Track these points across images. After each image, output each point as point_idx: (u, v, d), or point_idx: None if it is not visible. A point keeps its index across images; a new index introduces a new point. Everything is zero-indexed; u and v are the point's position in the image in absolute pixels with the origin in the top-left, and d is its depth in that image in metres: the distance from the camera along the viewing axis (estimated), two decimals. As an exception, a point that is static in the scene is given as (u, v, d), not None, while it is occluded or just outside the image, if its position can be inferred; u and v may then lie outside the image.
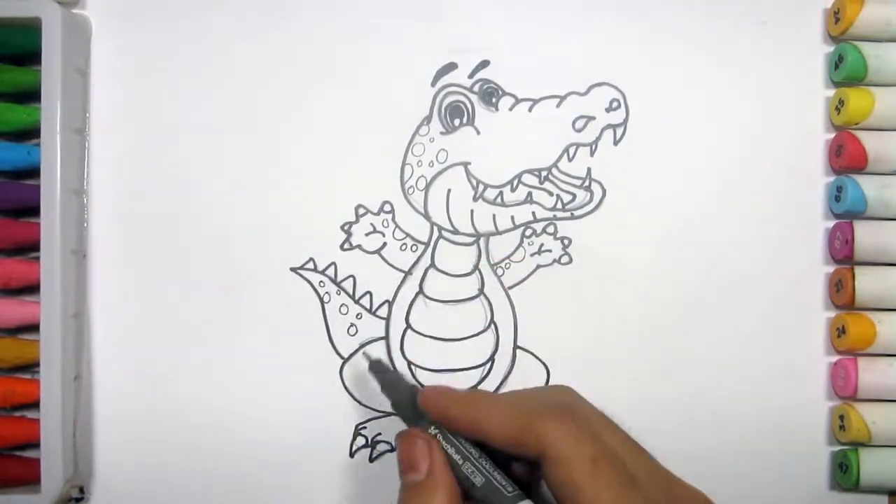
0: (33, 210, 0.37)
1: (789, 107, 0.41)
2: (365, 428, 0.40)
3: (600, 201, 0.40)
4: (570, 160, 0.40)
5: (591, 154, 0.40)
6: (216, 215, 0.40)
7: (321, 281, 0.40)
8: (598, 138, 0.40)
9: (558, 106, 0.40)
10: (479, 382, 0.40)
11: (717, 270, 0.40)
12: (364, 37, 0.40)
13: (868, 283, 0.39)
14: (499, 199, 0.40)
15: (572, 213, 0.40)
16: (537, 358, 0.40)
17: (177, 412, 0.40)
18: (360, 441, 0.40)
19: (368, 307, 0.40)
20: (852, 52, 0.39)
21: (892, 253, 0.39)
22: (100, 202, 0.40)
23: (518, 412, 0.29)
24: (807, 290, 0.41)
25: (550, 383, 0.40)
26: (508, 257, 0.40)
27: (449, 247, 0.40)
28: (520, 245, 0.40)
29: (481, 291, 0.40)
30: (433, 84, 0.40)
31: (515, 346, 0.40)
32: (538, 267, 0.40)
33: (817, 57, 0.41)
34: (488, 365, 0.40)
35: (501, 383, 0.40)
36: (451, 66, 0.40)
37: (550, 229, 0.40)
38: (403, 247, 0.40)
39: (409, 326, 0.40)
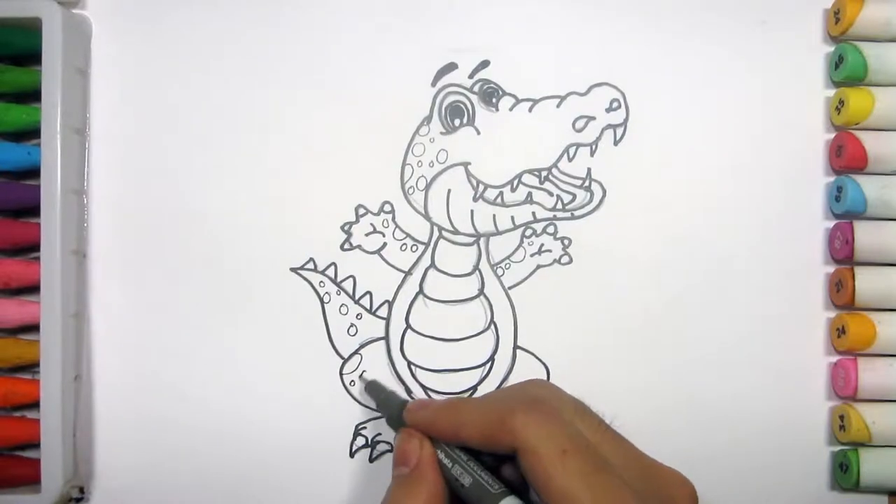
0: (33, 210, 0.37)
1: (789, 107, 0.41)
2: (365, 428, 0.40)
3: (600, 201, 0.40)
4: (570, 160, 0.40)
5: (591, 154, 0.40)
6: (216, 215, 0.40)
7: (321, 281, 0.40)
8: (599, 138, 0.40)
9: (558, 106, 0.40)
10: (479, 382, 0.40)
11: (716, 270, 0.40)
12: (364, 37, 0.40)
13: (868, 283, 0.39)
14: (499, 200, 0.40)
15: (572, 213, 0.40)
16: (537, 358, 0.40)
17: (177, 412, 0.40)
18: (360, 441, 0.40)
19: (368, 307, 0.40)
20: (852, 52, 0.39)
21: (892, 253, 0.39)
22: (100, 202, 0.40)
23: (490, 410, 0.30)
24: (807, 290, 0.41)
25: (552, 381, 0.40)
26: (508, 257, 0.40)
27: (449, 247, 0.40)
28: (520, 245, 0.40)
29: (481, 291, 0.40)
30: (433, 84, 0.40)
31: (515, 346, 0.40)
32: (538, 267, 0.40)
33: (817, 57, 0.41)
34: (488, 365, 0.40)
35: (501, 383, 0.40)
36: (451, 66, 0.40)
37: (550, 229, 0.40)
38: (403, 247, 0.40)
39: (409, 326, 0.40)
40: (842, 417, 0.40)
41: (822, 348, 0.41)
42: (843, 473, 0.40)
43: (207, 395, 0.40)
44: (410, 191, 0.40)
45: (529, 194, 0.40)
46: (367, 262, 0.40)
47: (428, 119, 0.40)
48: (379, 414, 0.40)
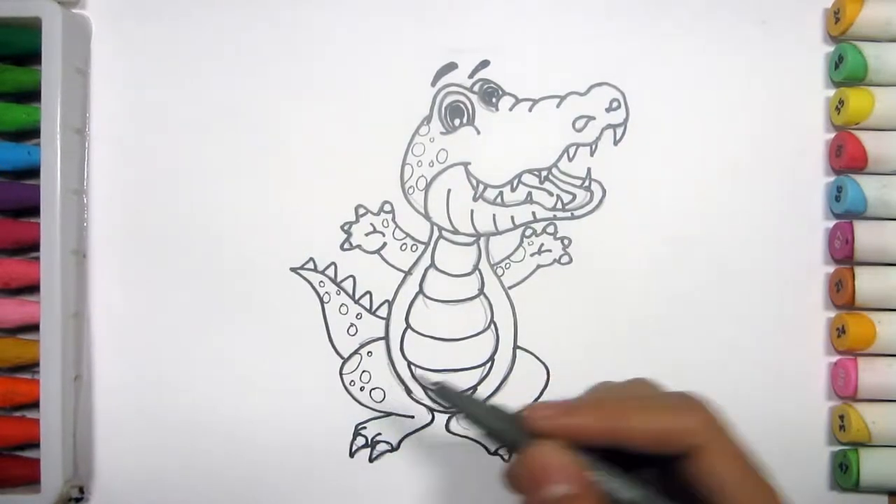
0: (33, 210, 0.37)
1: (789, 107, 0.41)
2: (365, 428, 0.40)
3: (600, 201, 0.40)
4: (570, 160, 0.40)
5: (591, 154, 0.40)
6: (216, 215, 0.40)
7: (321, 281, 0.40)
8: (598, 138, 0.40)
9: (558, 106, 0.40)
10: (479, 382, 0.40)
11: (716, 270, 0.40)
12: (364, 36, 0.40)
13: (868, 283, 0.39)
14: (499, 199, 0.40)
15: (572, 213, 0.40)
16: (537, 358, 0.40)
17: (177, 412, 0.40)
18: (360, 441, 0.40)
19: (368, 307, 0.40)
20: (852, 52, 0.39)
21: (892, 253, 0.39)
22: (100, 202, 0.40)
23: (663, 410, 0.28)
24: (807, 290, 0.41)
25: (552, 383, 0.40)
26: (508, 257, 0.40)
27: (449, 247, 0.40)
28: (520, 245, 0.40)
29: (481, 291, 0.40)
30: (433, 84, 0.40)
31: (515, 346, 0.40)
32: (538, 267, 0.40)
33: (817, 57, 0.41)
34: (488, 365, 0.40)
35: (501, 383, 0.40)
36: (451, 66, 0.40)
37: (550, 229, 0.40)
38: (403, 247, 0.40)
39: (408, 326, 0.40)
40: (842, 417, 0.40)
41: (822, 348, 0.41)
42: (843, 473, 0.40)
43: (207, 394, 0.40)
44: (410, 191, 0.40)
45: (529, 194, 0.40)
46: (367, 262, 0.40)
47: (428, 119, 0.40)
48: (379, 413, 0.40)
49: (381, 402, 0.40)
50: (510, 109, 0.40)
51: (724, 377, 0.40)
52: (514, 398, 0.40)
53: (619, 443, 0.27)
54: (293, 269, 0.40)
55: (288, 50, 0.40)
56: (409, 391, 0.40)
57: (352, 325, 0.40)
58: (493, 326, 0.40)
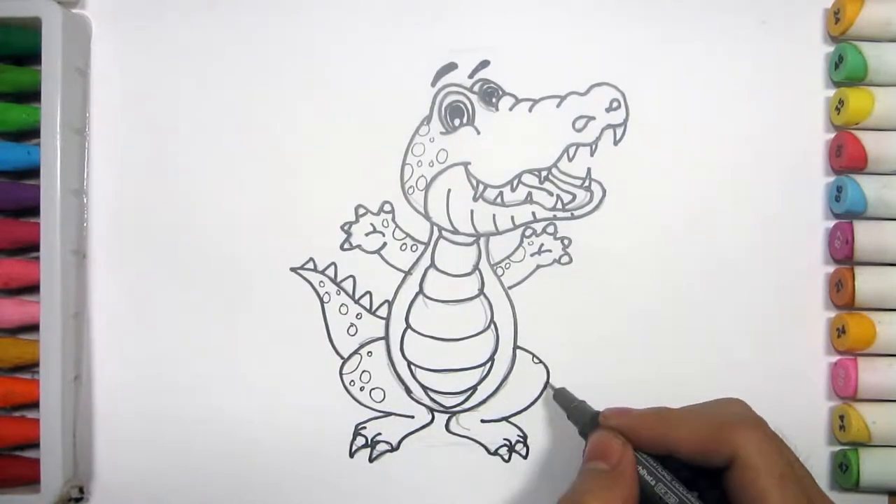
0: (33, 210, 0.37)
1: (789, 107, 0.41)
2: (365, 428, 0.40)
3: (600, 201, 0.40)
4: (570, 160, 0.40)
5: (591, 154, 0.40)
6: (216, 215, 0.40)
7: (321, 281, 0.40)
8: (598, 138, 0.40)
9: (558, 106, 0.40)
10: (479, 382, 0.40)
11: (716, 270, 0.40)
12: (364, 36, 0.40)
13: (868, 283, 0.39)
14: (499, 199, 0.40)
15: (572, 213, 0.40)
16: (537, 358, 0.40)
17: (177, 412, 0.40)
18: (360, 441, 0.40)
19: (368, 307, 0.40)
20: (852, 52, 0.39)
21: (892, 253, 0.39)
22: (100, 202, 0.40)
23: (708, 421, 0.30)
24: (807, 290, 0.41)
25: (559, 384, 0.40)
26: (508, 257, 0.40)
27: (449, 247, 0.40)
28: (520, 245, 0.40)
29: (481, 291, 0.40)
30: (433, 84, 0.40)
31: (515, 346, 0.40)
32: (538, 267, 0.40)
33: (817, 57, 0.41)
34: (488, 365, 0.40)
35: (501, 383, 0.40)
36: (451, 66, 0.40)
37: (550, 229, 0.40)
38: (403, 247, 0.40)
39: (408, 326, 0.40)
40: (842, 417, 0.40)
41: (822, 348, 0.41)
42: (843, 473, 0.40)
43: (207, 394, 0.40)
44: (410, 191, 0.40)
45: (529, 194, 0.40)
46: (366, 262, 0.40)
47: (428, 119, 0.40)
48: (379, 413, 0.40)
49: (380, 402, 0.40)
50: (510, 109, 0.40)
51: (725, 377, 0.40)
52: (514, 398, 0.40)
53: (669, 450, 0.30)
54: (293, 269, 0.40)
55: (288, 50, 0.40)
56: (409, 391, 0.40)
57: (352, 325, 0.40)
58: (493, 326, 0.40)
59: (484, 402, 0.40)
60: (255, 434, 0.40)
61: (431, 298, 0.40)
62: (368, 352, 0.40)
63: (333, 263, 0.40)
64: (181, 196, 0.40)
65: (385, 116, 0.40)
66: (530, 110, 0.40)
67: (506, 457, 0.40)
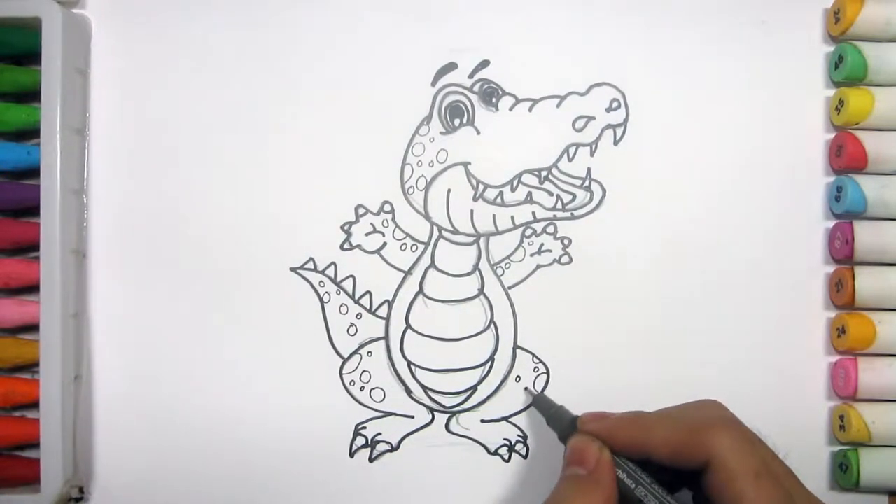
0: (33, 210, 0.37)
1: (789, 107, 0.41)
2: (365, 428, 0.40)
3: (600, 201, 0.40)
4: (570, 160, 0.40)
5: (591, 154, 0.40)
6: (216, 215, 0.40)
7: (321, 281, 0.40)
8: (598, 138, 0.40)
9: (558, 106, 0.40)
10: (479, 382, 0.40)
11: (716, 270, 0.40)
12: (364, 36, 0.40)
13: (868, 283, 0.39)
14: (499, 199, 0.40)
15: (572, 213, 0.40)
16: (537, 358, 0.40)
17: (177, 412, 0.40)
18: (360, 441, 0.40)
19: (368, 307, 0.40)
20: (852, 52, 0.39)
21: (892, 253, 0.39)
22: (100, 202, 0.40)
23: (682, 424, 0.30)
24: (807, 290, 0.41)
25: (552, 383, 0.40)
26: (508, 257, 0.40)
27: (449, 247, 0.40)
28: (520, 245, 0.40)
29: (481, 291, 0.40)
30: (433, 84, 0.40)
31: (515, 346, 0.40)
32: (538, 267, 0.40)
33: (817, 57, 0.41)
34: (488, 365, 0.40)
35: (501, 383, 0.40)
36: (451, 66, 0.40)
37: (550, 229, 0.40)
38: (403, 247, 0.40)
39: (408, 326, 0.40)
40: (842, 417, 0.40)
41: (822, 348, 0.41)
42: (843, 473, 0.40)
43: (207, 394, 0.40)
44: (410, 191, 0.40)
45: (529, 194, 0.40)
46: (366, 262, 0.40)
47: (428, 119, 0.40)
48: (379, 413, 0.40)
49: (380, 402, 0.40)
50: (510, 109, 0.40)
51: (724, 377, 0.40)
52: (513, 398, 0.40)
53: (646, 453, 0.31)
54: (293, 269, 0.40)
55: (288, 50, 0.40)
56: (409, 391, 0.40)
57: (352, 325, 0.40)
58: (493, 326, 0.40)
59: (484, 402, 0.40)
60: (255, 434, 0.40)
61: (431, 298, 0.40)
62: (368, 352, 0.40)
63: (333, 263, 0.40)
64: (181, 196, 0.40)
65: (385, 116, 0.40)
66: (530, 110, 0.40)
67: (506, 457, 0.40)
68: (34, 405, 0.37)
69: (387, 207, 0.40)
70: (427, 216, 0.40)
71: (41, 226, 0.37)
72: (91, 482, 0.40)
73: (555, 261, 0.40)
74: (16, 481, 0.38)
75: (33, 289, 0.38)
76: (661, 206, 0.40)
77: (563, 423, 0.35)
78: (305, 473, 0.40)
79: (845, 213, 0.40)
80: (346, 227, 0.40)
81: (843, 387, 0.40)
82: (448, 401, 0.40)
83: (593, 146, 0.40)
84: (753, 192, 0.41)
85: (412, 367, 0.40)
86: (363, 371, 0.40)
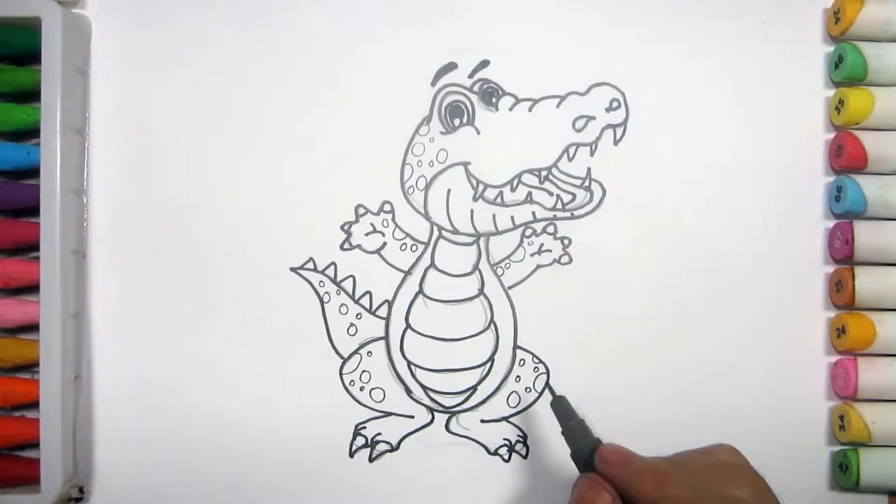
0: (33, 210, 0.37)
1: (789, 107, 0.41)
2: (365, 428, 0.40)
3: (600, 201, 0.40)
4: (570, 160, 0.40)
5: (591, 154, 0.40)
6: (216, 215, 0.40)
7: (321, 281, 0.40)
8: (598, 138, 0.40)
9: (558, 106, 0.40)
10: (479, 382, 0.40)
11: (716, 270, 0.40)
12: (364, 37, 0.40)
13: (868, 283, 0.39)
14: (499, 199, 0.40)
15: (572, 213, 0.40)
16: (537, 357, 0.40)
17: (176, 412, 0.40)
18: (360, 441, 0.40)
19: (368, 307, 0.40)
20: (852, 52, 0.39)
21: (892, 253, 0.39)
22: (100, 202, 0.40)
23: (697, 480, 0.30)
24: (807, 290, 0.41)
25: (552, 383, 0.40)
26: (508, 257, 0.40)
27: (449, 247, 0.40)
28: (520, 245, 0.40)
29: (481, 291, 0.40)
30: (433, 84, 0.40)
31: (515, 346, 0.40)
32: (538, 267, 0.40)
33: (817, 57, 0.41)
34: (488, 365, 0.40)
35: (501, 383, 0.40)
36: (451, 66, 0.40)
37: (550, 229, 0.40)
38: (403, 247, 0.40)
39: (408, 326, 0.40)
40: (842, 417, 0.40)
41: (822, 348, 0.41)
42: (843, 473, 0.40)
43: (207, 394, 0.40)
44: (410, 190, 0.40)
45: (529, 194, 0.40)
46: (366, 262, 0.40)
47: (428, 119, 0.40)
48: (379, 413, 0.40)
49: (380, 402, 0.40)
50: (510, 109, 0.40)
51: (724, 377, 0.40)
52: (513, 398, 0.40)
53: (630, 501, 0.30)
54: (293, 269, 0.40)
55: (288, 50, 0.40)
56: (408, 391, 0.40)
57: (352, 325, 0.40)
58: (493, 326, 0.40)
59: (484, 402, 0.40)
60: (255, 434, 0.40)
61: (431, 298, 0.40)
62: (368, 352, 0.40)
63: (333, 263, 0.40)
64: (181, 196, 0.40)
65: (385, 116, 0.40)
66: (530, 110, 0.40)
67: (506, 457, 0.40)
68: (34, 405, 0.37)
69: (387, 207, 0.40)
70: (427, 216, 0.40)
71: (41, 226, 0.37)
72: (91, 482, 0.40)
73: (555, 261, 0.40)
74: (16, 481, 0.38)
75: (33, 289, 0.38)
76: (661, 205, 0.40)
77: (580, 444, 0.33)
78: (305, 473, 0.40)
79: (845, 213, 0.40)
80: (346, 227, 0.40)
81: (843, 387, 0.40)
82: (448, 401, 0.40)
83: (593, 146, 0.40)
84: (753, 192, 0.41)
85: (412, 367, 0.40)
86: (363, 371, 0.40)
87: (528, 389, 0.40)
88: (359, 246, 0.40)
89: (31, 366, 0.38)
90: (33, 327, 0.37)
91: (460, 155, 0.40)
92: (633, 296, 0.40)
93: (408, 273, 0.40)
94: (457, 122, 0.40)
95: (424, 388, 0.40)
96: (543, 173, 0.40)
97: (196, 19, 0.40)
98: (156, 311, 0.40)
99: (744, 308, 0.40)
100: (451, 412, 0.40)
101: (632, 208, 0.40)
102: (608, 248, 0.40)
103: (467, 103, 0.40)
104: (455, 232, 0.40)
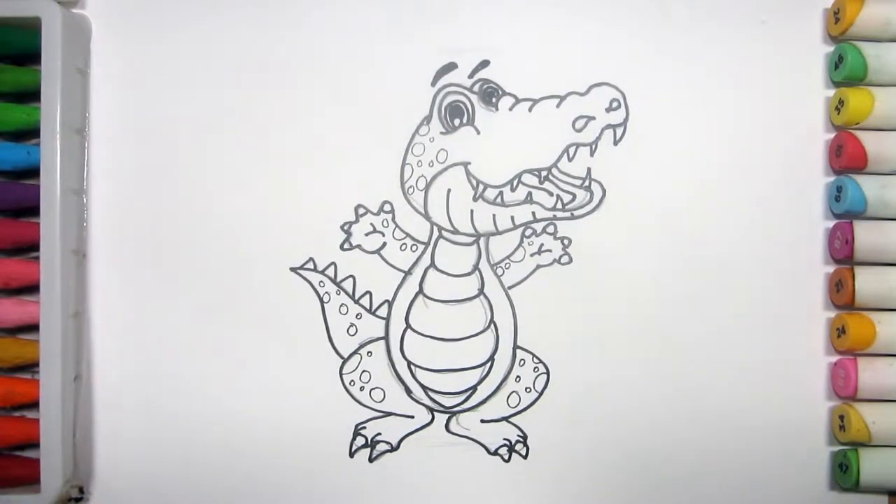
0: (33, 210, 0.37)
1: (789, 107, 0.41)
2: (365, 428, 0.40)
3: (600, 201, 0.40)
4: (570, 160, 0.40)
5: (591, 154, 0.40)
6: (216, 215, 0.40)
7: (321, 281, 0.40)
8: (598, 138, 0.40)
9: (558, 106, 0.40)
10: (479, 382, 0.40)
11: (716, 270, 0.40)
12: (364, 36, 0.40)
13: (868, 283, 0.39)
14: (499, 199, 0.40)
15: (572, 213, 0.40)
16: (537, 358, 0.40)
17: (176, 412, 0.40)
18: (360, 441, 0.40)
19: (368, 307, 0.40)
20: (852, 52, 0.39)
21: (892, 253, 0.39)
22: (100, 202, 0.40)
23: None
24: (807, 290, 0.41)
25: (552, 383, 0.40)
26: (508, 257, 0.40)
27: (449, 247, 0.40)
28: (520, 245, 0.40)
29: (481, 291, 0.40)
30: (433, 84, 0.40)
31: (515, 346, 0.40)
32: (538, 267, 0.40)
33: (817, 57, 0.41)
34: (488, 365, 0.40)
35: (501, 383, 0.40)
36: (451, 66, 0.40)
37: (550, 229, 0.40)
38: (403, 247, 0.40)
39: (408, 326, 0.40)
40: (842, 417, 0.40)
41: (822, 348, 0.41)
42: (843, 473, 0.40)
43: (207, 394, 0.40)
44: (410, 190, 0.40)
45: (529, 194, 0.40)
46: (366, 262, 0.40)
47: (428, 119, 0.40)
48: (379, 413, 0.40)
49: (380, 402, 0.40)
50: (510, 109, 0.40)
51: (724, 377, 0.40)
52: (513, 398, 0.40)
53: None
54: (293, 269, 0.40)
55: (288, 50, 0.40)
56: (408, 391, 0.40)
57: (352, 325, 0.40)
58: (493, 326, 0.40)
59: (484, 402, 0.40)
60: (255, 434, 0.40)
61: (431, 298, 0.40)
62: (368, 352, 0.40)
63: (333, 263, 0.40)
64: (181, 196, 0.40)
65: (385, 116, 0.40)
66: (530, 110, 0.40)
67: (506, 457, 0.40)
68: (34, 405, 0.37)
69: (387, 207, 0.40)
70: (427, 216, 0.40)
71: (41, 226, 0.37)
72: (91, 482, 0.40)
73: (555, 261, 0.40)
74: (16, 481, 0.38)
75: (33, 289, 0.38)
76: (661, 205, 0.40)
77: None
78: (305, 473, 0.40)
79: (845, 213, 0.40)
80: (346, 227, 0.40)
81: (843, 387, 0.40)
82: (448, 401, 0.40)
83: (593, 146, 0.40)
84: (753, 192, 0.41)
85: (412, 367, 0.40)
86: (363, 371, 0.40)
87: (528, 389, 0.40)
88: (359, 246, 0.40)
89: (31, 366, 0.38)
90: (33, 327, 0.37)
91: (460, 155, 0.40)
92: (633, 296, 0.40)
93: (408, 273, 0.40)
94: (457, 122, 0.40)
95: (424, 388, 0.40)
96: (543, 173, 0.40)
97: (196, 20, 0.40)
98: (156, 311, 0.40)
99: (743, 308, 0.40)
100: (451, 412, 0.40)
101: (632, 208, 0.40)
102: (608, 248, 0.40)
103: (467, 103, 0.40)
104: (455, 232, 0.40)
